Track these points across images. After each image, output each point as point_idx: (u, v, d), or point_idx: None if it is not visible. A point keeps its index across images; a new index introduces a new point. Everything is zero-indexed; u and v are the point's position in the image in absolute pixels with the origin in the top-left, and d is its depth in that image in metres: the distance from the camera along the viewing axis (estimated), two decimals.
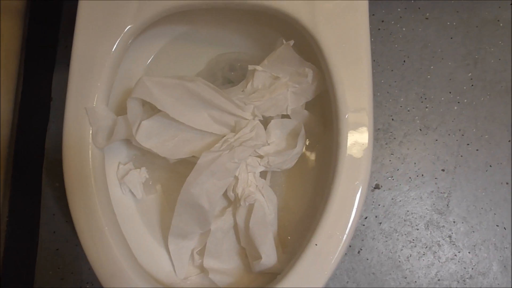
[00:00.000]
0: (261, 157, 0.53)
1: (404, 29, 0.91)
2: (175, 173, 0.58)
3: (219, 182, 0.49)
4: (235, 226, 0.54)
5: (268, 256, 0.50)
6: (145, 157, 0.58)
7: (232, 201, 0.54)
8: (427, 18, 0.91)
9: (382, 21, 0.92)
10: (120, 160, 0.58)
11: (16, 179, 0.82)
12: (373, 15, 0.92)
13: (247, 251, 0.54)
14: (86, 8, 0.50)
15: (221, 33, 0.61)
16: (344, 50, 0.49)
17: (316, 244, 0.46)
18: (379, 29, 0.92)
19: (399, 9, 0.92)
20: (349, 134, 0.46)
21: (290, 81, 0.54)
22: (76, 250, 0.88)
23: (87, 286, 0.87)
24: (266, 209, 0.52)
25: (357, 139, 0.47)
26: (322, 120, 0.56)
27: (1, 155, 0.73)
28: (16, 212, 0.81)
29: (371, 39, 0.90)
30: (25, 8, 0.76)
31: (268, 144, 0.53)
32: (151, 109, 0.55)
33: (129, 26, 0.49)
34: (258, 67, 0.54)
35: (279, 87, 0.53)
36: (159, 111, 0.52)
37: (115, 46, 0.50)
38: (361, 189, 0.46)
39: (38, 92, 0.89)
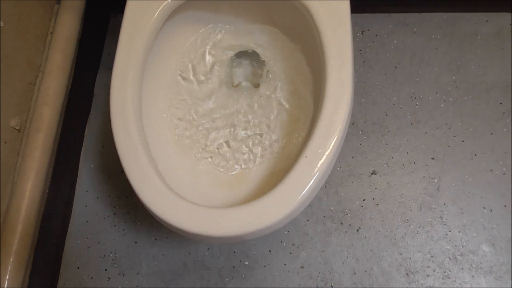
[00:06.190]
0: None
1: (395, 41, 1.06)
2: None
3: None
4: None
5: None
6: None
7: None
8: (414, 32, 1.06)
9: (376, 35, 1.07)
10: None
11: (58, 158, 0.96)
12: (368, 30, 1.08)
13: None
14: None
15: (238, 22, 0.77)
16: (331, 14, 0.63)
17: (306, 156, 0.57)
18: (373, 41, 1.07)
19: (390, 25, 1.08)
20: (333, 75, 0.59)
21: None
22: (103, 223, 0.98)
23: (111, 255, 0.96)
24: None
25: (339, 79, 0.59)
26: (316, 64, 0.68)
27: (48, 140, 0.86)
28: (55, 185, 0.94)
29: (366, 50, 1.06)
30: (82, 13, 0.95)
31: None
32: None
33: (168, 0, 0.66)
34: None
35: None
36: None
37: (156, 14, 0.65)
38: (343, 116, 0.58)
39: (83, 88, 1.05)
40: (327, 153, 0.57)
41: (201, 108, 0.74)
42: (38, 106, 0.80)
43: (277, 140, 0.74)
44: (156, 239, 0.96)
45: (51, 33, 0.87)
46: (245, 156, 0.73)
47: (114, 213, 0.99)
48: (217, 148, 0.73)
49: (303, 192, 0.56)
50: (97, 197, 1.01)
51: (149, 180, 0.58)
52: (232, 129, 0.74)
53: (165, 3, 0.66)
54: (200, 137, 0.73)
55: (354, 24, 1.08)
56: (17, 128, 0.78)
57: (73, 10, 0.91)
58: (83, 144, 1.04)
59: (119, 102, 0.61)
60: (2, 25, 0.74)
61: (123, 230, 0.98)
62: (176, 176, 0.67)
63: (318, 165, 0.56)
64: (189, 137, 0.73)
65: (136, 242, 0.97)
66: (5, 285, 0.74)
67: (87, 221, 0.99)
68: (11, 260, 0.72)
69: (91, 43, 1.06)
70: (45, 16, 0.86)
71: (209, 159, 0.72)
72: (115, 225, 0.98)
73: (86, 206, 1.00)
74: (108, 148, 1.04)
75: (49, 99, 0.81)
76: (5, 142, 0.76)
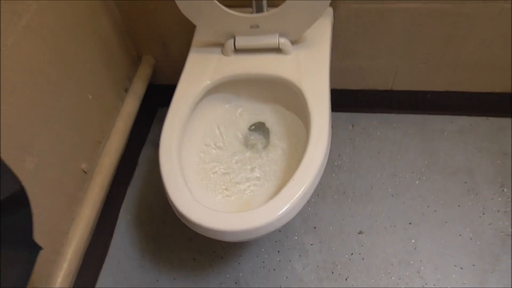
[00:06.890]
0: None
1: (378, 133, 1.35)
2: None
3: None
4: None
5: None
6: None
7: None
8: (394, 127, 1.35)
9: (364, 128, 1.36)
10: None
11: (104, 208, 1.21)
12: (358, 124, 1.37)
13: None
14: (189, 66, 0.99)
15: (252, 102, 1.08)
16: (315, 93, 0.92)
17: (293, 180, 0.80)
18: (361, 133, 1.35)
19: (375, 122, 1.37)
20: (315, 129, 0.86)
21: None
22: (132, 263, 1.17)
23: None
24: None
25: (319, 133, 0.86)
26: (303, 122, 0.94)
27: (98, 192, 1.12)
28: (97, 231, 1.17)
29: (355, 139, 1.34)
30: (140, 101, 1.29)
31: None
32: None
33: (208, 81, 0.98)
34: None
35: None
36: None
37: (199, 90, 0.97)
38: (321, 155, 0.82)
39: (131, 155, 1.34)
40: (309, 177, 0.80)
41: (223, 159, 1.00)
42: (102, 157, 1.08)
43: (277, 178, 0.97)
44: (174, 279, 1.14)
45: (118, 111, 1.20)
46: (251, 188, 0.97)
47: (142, 256, 1.18)
48: (231, 184, 0.97)
49: (290, 202, 0.78)
50: (129, 243, 1.21)
51: (182, 193, 0.82)
52: (244, 173, 0.98)
53: (204, 84, 0.98)
54: (219, 176, 0.97)
55: (346, 119, 1.38)
56: (85, 170, 1.05)
57: (136, 98, 1.25)
58: (124, 199, 1.29)
59: (167, 142, 0.88)
60: (90, 97, 1.07)
61: (148, 270, 1.16)
62: (199, 192, 0.90)
63: (302, 185, 0.79)
64: (210, 175, 0.97)
65: (157, 280, 1.14)
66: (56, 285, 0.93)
67: (119, 261, 1.18)
68: (65, 265, 0.92)
69: (142, 124, 1.39)
70: (117, 98, 1.20)
71: (225, 191, 0.95)
72: (141, 266, 1.17)
73: (119, 249, 1.20)
74: (143, 205, 1.28)
75: (111, 152, 1.09)
76: (74, 178, 1.02)
